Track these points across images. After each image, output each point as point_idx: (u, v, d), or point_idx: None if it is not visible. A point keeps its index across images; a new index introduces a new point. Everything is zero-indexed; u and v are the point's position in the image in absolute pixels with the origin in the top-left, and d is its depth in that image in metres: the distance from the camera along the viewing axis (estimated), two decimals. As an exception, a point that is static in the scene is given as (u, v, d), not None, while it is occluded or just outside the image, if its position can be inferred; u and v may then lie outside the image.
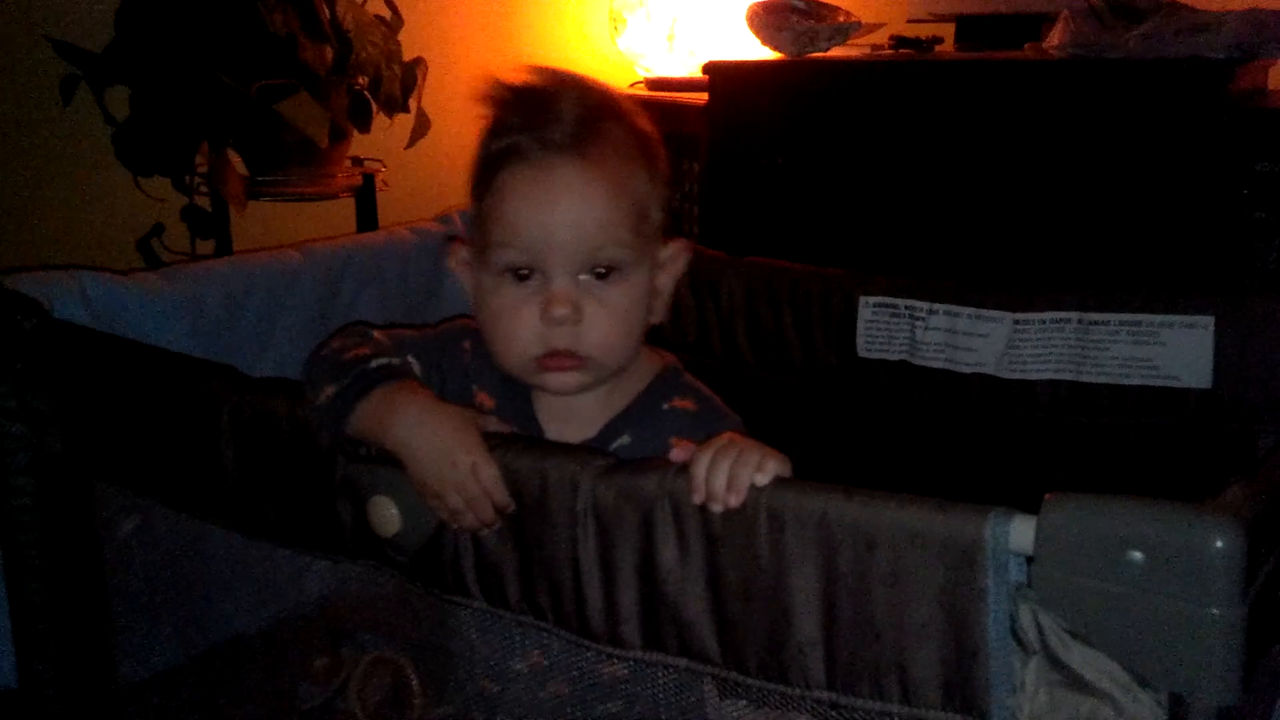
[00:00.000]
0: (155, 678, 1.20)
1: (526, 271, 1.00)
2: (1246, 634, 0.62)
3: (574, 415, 1.06)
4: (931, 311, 1.35)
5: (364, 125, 2.15)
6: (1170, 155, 1.78)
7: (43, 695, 1.20)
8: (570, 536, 0.81)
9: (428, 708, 1.07)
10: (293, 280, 1.42)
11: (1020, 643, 0.67)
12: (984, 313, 1.32)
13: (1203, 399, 1.22)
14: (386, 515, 0.89)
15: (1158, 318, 1.24)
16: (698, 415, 1.05)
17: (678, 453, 0.83)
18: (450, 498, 0.85)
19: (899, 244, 2.00)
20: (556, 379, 1.01)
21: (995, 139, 1.93)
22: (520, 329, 1.00)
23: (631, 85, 2.76)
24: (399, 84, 2.12)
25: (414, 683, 1.09)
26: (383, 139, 2.20)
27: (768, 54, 2.24)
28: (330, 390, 0.92)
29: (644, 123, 1.06)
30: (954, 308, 1.34)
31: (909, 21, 2.36)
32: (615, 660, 0.83)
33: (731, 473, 0.75)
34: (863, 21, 2.23)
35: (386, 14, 2.18)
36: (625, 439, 1.05)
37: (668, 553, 0.78)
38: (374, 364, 0.95)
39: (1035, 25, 2.15)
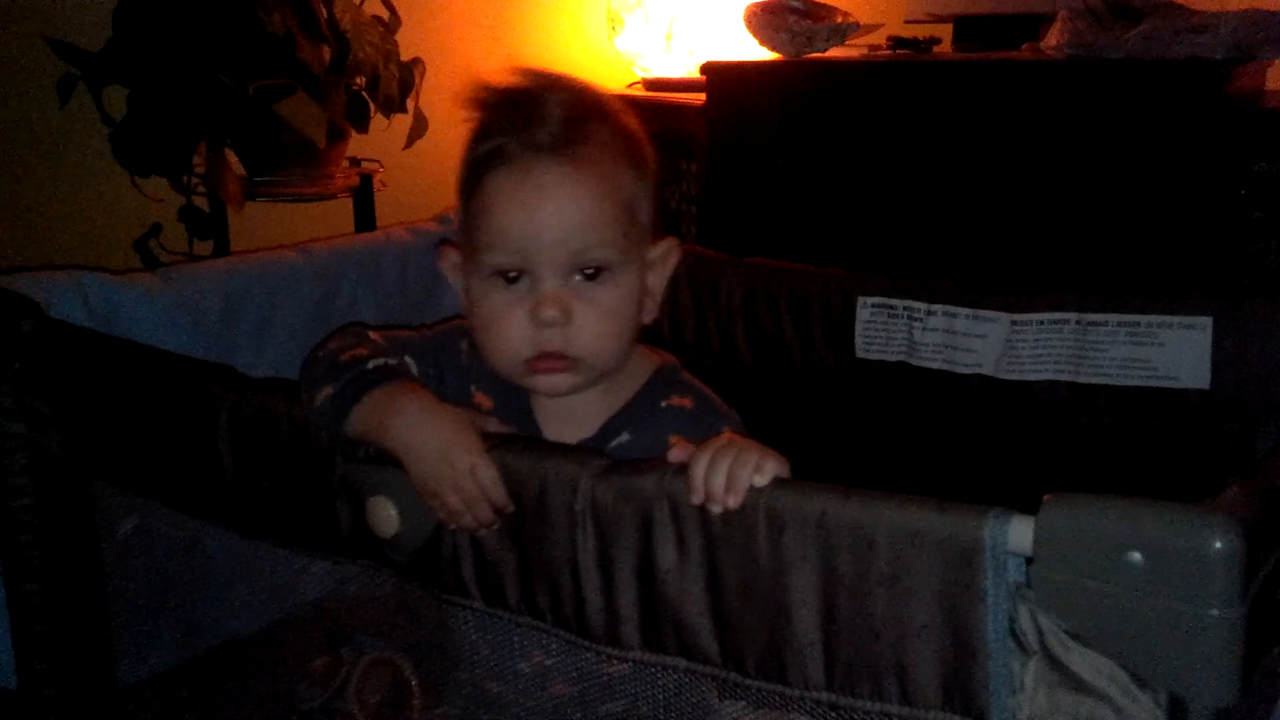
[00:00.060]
0: (154, 678, 1.20)
1: (515, 274, 1.00)
2: (1245, 635, 0.62)
3: (572, 415, 1.06)
4: (930, 312, 1.35)
5: (362, 125, 2.15)
6: (1168, 156, 1.78)
7: (41, 696, 1.20)
8: (569, 537, 0.81)
9: (427, 708, 1.07)
10: (291, 280, 1.42)
11: (1019, 643, 0.67)
12: (982, 313, 1.32)
13: (1201, 399, 1.22)
14: (385, 516, 0.89)
15: (1156, 318, 1.24)
16: (696, 413, 1.06)
17: (676, 453, 0.83)
18: (449, 498, 0.85)
19: (897, 245, 2.00)
20: (547, 381, 1.02)
21: (993, 140, 1.94)
22: (510, 332, 1.00)
23: (629, 85, 2.76)
24: (397, 84, 2.12)
25: (413, 683, 1.09)
26: (380, 139, 2.20)
27: (766, 54, 2.24)
28: (328, 391, 0.92)
29: (631, 122, 1.06)
30: (952, 308, 1.34)
31: (907, 22, 2.36)
32: (616, 660, 0.83)
33: (730, 473, 0.75)
34: (860, 22, 2.23)
35: (384, 14, 2.18)
36: (624, 437, 1.05)
37: (667, 553, 0.78)
38: (372, 364, 0.95)
39: (1033, 26, 2.15)
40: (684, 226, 2.40)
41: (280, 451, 0.97)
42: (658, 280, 1.07)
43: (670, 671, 0.80)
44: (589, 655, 0.84)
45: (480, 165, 1.01)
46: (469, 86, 1.04)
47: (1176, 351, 1.23)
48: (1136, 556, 0.63)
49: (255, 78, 1.93)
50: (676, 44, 2.70)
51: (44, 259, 1.91)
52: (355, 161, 2.21)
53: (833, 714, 0.74)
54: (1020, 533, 0.66)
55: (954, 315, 1.34)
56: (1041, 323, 1.29)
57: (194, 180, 2.01)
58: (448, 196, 1.62)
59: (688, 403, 1.06)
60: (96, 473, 1.14)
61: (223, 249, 2.05)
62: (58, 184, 2.09)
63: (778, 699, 0.76)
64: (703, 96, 2.24)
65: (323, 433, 0.93)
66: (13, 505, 1.15)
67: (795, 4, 2.22)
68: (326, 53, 2.02)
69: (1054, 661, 0.65)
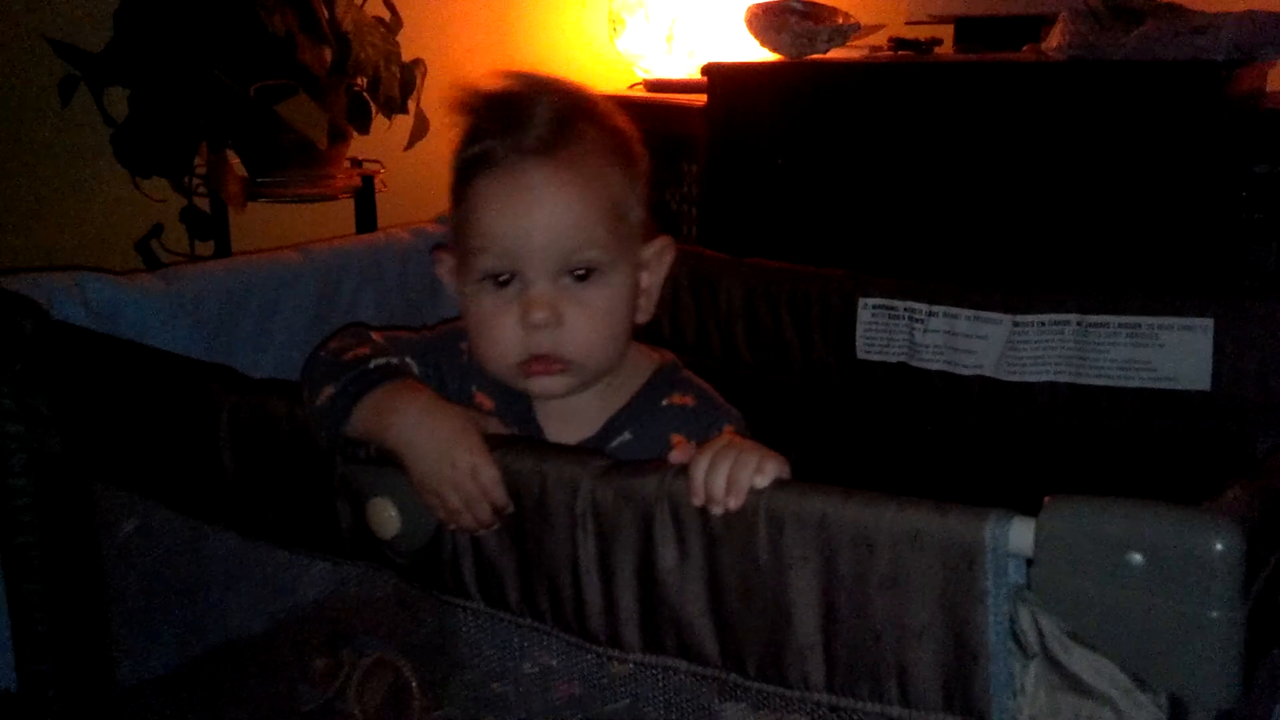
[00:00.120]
0: (154, 679, 1.20)
1: (506, 277, 1.00)
2: (1246, 636, 0.62)
3: (573, 414, 1.06)
4: (931, 313, 1.35)
5: (363, 126, 2.15)
6: (1168, 157, 1.78)
7: (42, 697, 1.20)
8: (570, 538, 0.81)
9: (427, 710, 1.07)
10: (291, 281, 1.42)
11: (1020, 645, 0.67)
12: (983, 315, 1.32)
13: (1202, 401, 1.22)
14: (386, 517, 0.89)
15: (1157, 320, 1.24)
16: (697, 410, 1.06)
17: (677, 454, 0.83)
18: (449, 497, 0.85)
19: (898, 245, 2.00)
20: (541, 383, 1.02)
21: (994, 141, 1.94)
22: (502, 335, 1.00)
23: (630, 86, 2.77)
24: (398, 85, 2.12)
25: (413, 685, 1.09)
26: (382, 140, 2.20)
27: (767, 55, 2.24)
28: (329, 390, 0.92)
29: (620, 122, 1.06)
30: (953, 309, 1.34)
31: (908, 23, 2.36)
32: (617, 661, 0.83)
33: (731, 475, 0.75)
34: (861, 23, 2.23)
35: (385, 15, 2.18)
36: (625, 436, 1.05)
37: (667, 554, 0.77)
38: (374, 364, 0.95)
39: (1034, 27, 2.15)
40: (685, 227, 2.40)
41: (281, 452, 0.97)
42: (653, 279, 1.07)
43: (672, 672, 0.80)
44: (590, 656, 0.84)
45: (468, 169, 1.01)
46: (457, 91, 1.04)
47: (1177, 353, 1.23)
48: (1137, 558, 0.63)
49: (256, 78, 1.93)
50: (677, 45, 2.70)
51: (45, 259, 1.92)
52: (356, 162, 2.21)
53: (833, 716, 0.74)
54: (1021, 534, 0.66)
55: (955, 316, 1.34)
56: (1042, 324, 1.29)
57: (195, 181, 2.01)
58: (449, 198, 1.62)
59: (689, 400, 1.07)
60: (97, 473, 1.14)
61: (224, 250, 2.05)
62: (59, 185, 2.09)
63: (778, 700, 0.76)
64: (704, 97, 2.24)
65: (324, 432, 0.93)
66: (13, 506, 1.15)
67: (796, 5, 2.22)
68: (328, 53, 2.02)
69: (1055, 663, 0.65)
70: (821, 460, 1.15)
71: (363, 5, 2.13)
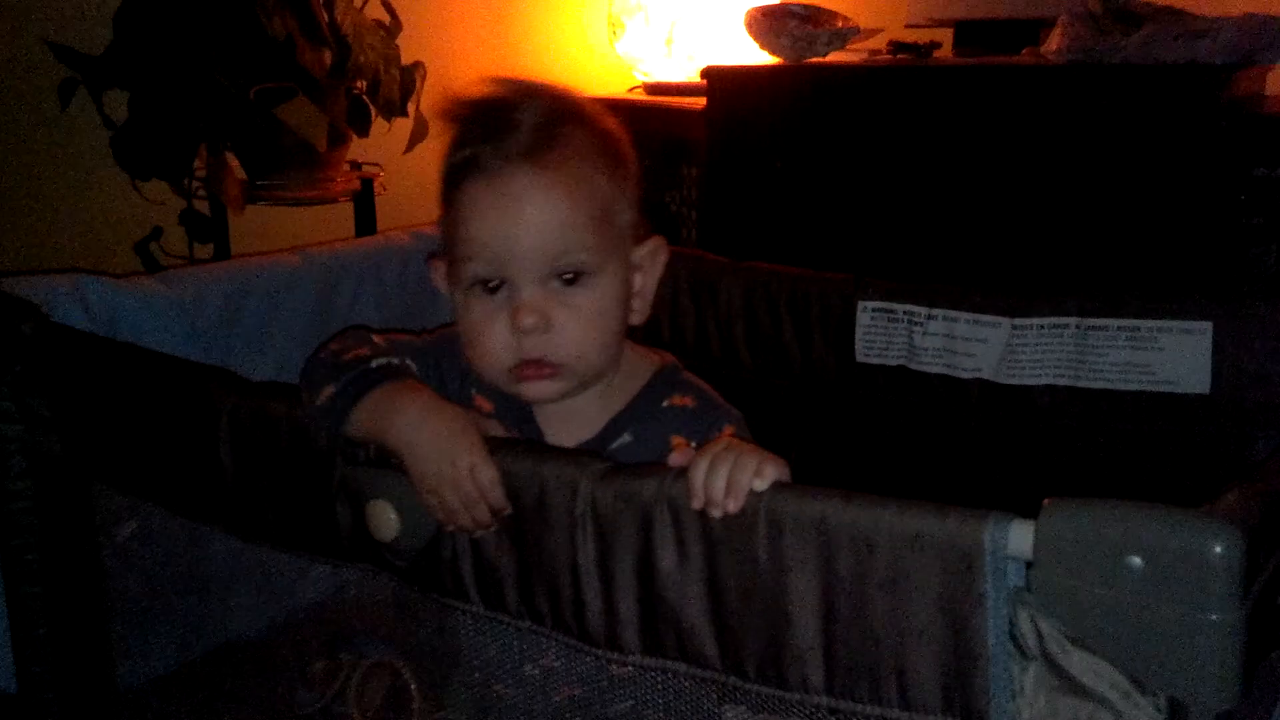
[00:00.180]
0: (153, 682, 1.20)
1: (495, 283, 1.00)
2: (1245, 639, 0.62)
3: (573, 416, 1.06)
4: (930, 316, 1.35)
5: (362, 129, 2.15)
6: (1168, 160, 1.78)
7: (41, 699, 1.20)
8: (569, 540, 0.81)
9: (427, 712, 1.07)
10: (291, 284, 1.42)
11: (1019, 648, 0.67)
12: (982, 318, 1.32)
13: (1201, 404, 1.22)
14: (385, 519, 0.89)
15: (1156, 323, 1.24)
16: (697, 412, 1.06)
17: (676, 457, 0.83)
18: (448, 496, 0.85)
19: (897, 249, 2.00)
20: (533, 388, 1.02)
21: (993, 144, 1.94)
22: (492, 341, 1.01)
23: (630, 89, 2.77)
24: (397, 88, 2.12)
25: (412, 687, 1.09)
26: (381, 143, 2.20)
27: (766, 59, 2.24)
28: (330, 390, 0.92)
29: (608, 124, 1.06)
30: (952, 313, 1.34)
31: (907, 27, 2.36)
32: (618, 663, 0.83)
33: (730, 478, 0.75)
34: (861, 27, 2.23)
35: (385, 18, 2.18)
36: (626, 438, 1.05)
37: (666, 557, 0.77)
38: (374, 363, 0.95)
39: (1033, 30, 2.16)
40: (684, 230, 2.40)
41: (280, 454, 0.97)
42: (646, 281, 1.07)
43: (673, 675, 0.80)
44: (590, 659, 0.84)
45: (454, 176, 1.02)
46: (446, 101, 1.04)
47: (1176, 356, 1.23)
48: (1136, 561, 0.63)
49: (256, 81, 1.93)
50: (677, 48, 2.71)
51: (45, 262, 1.92)
52: (356, 165, 2.21)
53: (832, 718, 0.74)
54: (1020, 537, 0.66)
55: (954, 320, 1.34)
56: (1042, 327, 1.29)
57: (195, 184, 2.01)
58: (448, 200, 1.61)
59: (689, 402, 1.07)
60: (96, 476, 1.14)
61: (223, 252, 2.05)
62: (58, 187, 2.09)
63: (778, 703, 0.76)
64: (703, 100, 2.24)
65: (323, 432, 0.93)
66: (13, 508, 1.15)
67: (796, 8, 2.22)
68: (327, 56, 2.02)
69: (1054, 666, 0.65)
70: (821, 463, 1.15)
71: (362, 8, 2.13)
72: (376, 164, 2.23)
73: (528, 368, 1.00)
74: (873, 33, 2.28)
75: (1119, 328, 1.26)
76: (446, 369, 1.09)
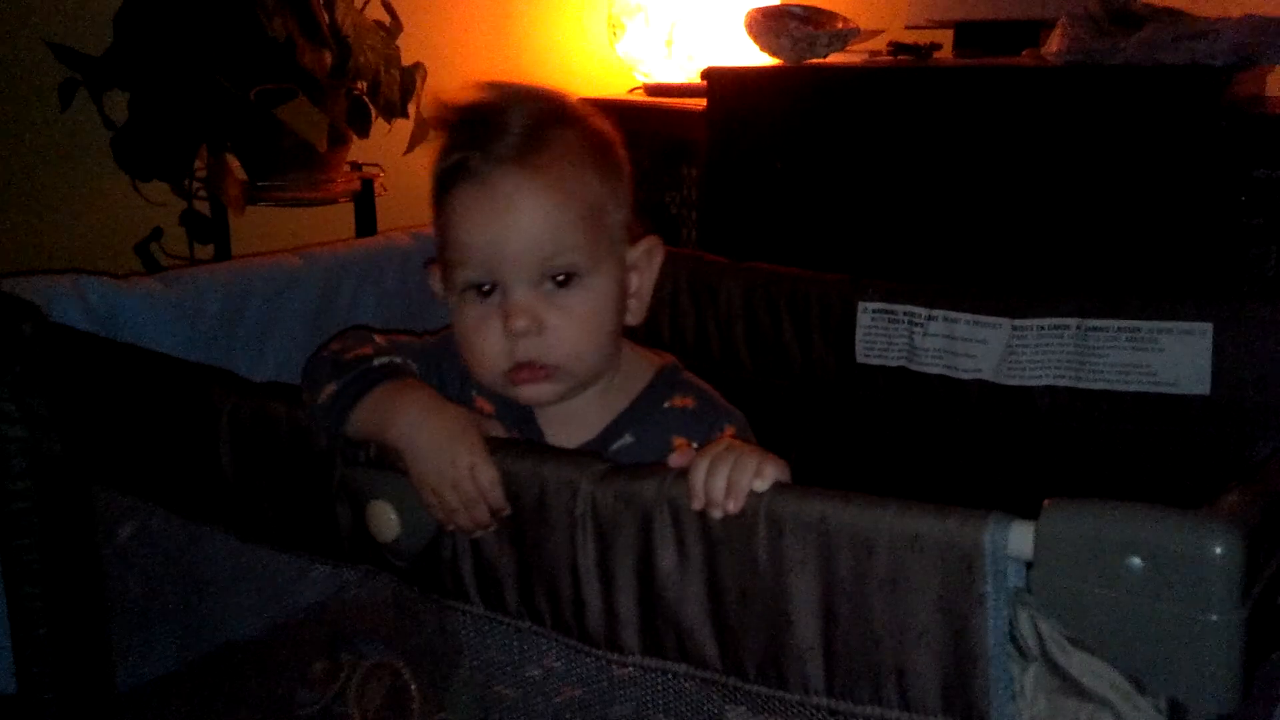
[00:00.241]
0: (153, 683, 1.20)
1: (488, 287, 1.00)
2: (1246, 640, 0.62)
3: (574, 418, 1.06)
4: (930, 317, 1.35)
5: (363, 130, 2.15)
6: (1168, 161, 1.78)
7: (41, 700, 1.20)
8: (569, 541, 0.81)
9: (427, 713, 1.07)
10: (291, 285, 1.42)
11: (1019, 648, 0.67)
12: (982, 319, 1.32)
13: (1201, 405, 1.22)
14: (385, 520, 0.89)
15: (1156, 324, 1.24)
16: (698, 412, 1.06)
17: (676, 458, 0.83)
18: (447, 496, 0.85)
19: (897, 250, 2.00)
20: (528, 391, 1.02)
21: (994, 145, 1.94)
22: (486, 345, 1.01)
23: (630, 91, 2.77)
24: (398, 89, 2.12)
25: (412, 688, 1.09)
26: (381, 144, 2.20)
27: (766, 60, 2.24)
28: (331, 389, 0.92)
29: (599, 125, 1.06)
30: (952, 313, 1.34)
31: (907, 28, 2.36)
32: (618, 664, 0.83)
33: (730, 478, 0.75)
34: (861, 28, 2.23)
35: (385, 19, 2.18)
36: (627, 439, 1.05)
37: (666, 558, 0.77)
38: (376, 362, 0.95)
39: (1034, 32, 2.16)
40: (684, 231, 2.40)
41: (280, 455, 0.97)
42: (643, 281, 1.07)
43: (674, 676, 0.80)
44: (590, 660, 0.84)
45: (445, 181, 1.02)
46: (437, 108, 1.04)
47: (1177, 357, 1.23)
48: (1137, 562, 0.63)
49: (256, 82, 1.93)
50: (677, 49, 2.70)
51: (45, 263, 1.92)
52: (356, 166, 2.21)
53: (832, 719, 0.74)
54: (1020, 538, 0.66)
55: (954, 320, 1.34)
56: (1042, 328, 1.29)
57: (195, 184, 2.01)
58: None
59: (690, 402, 1.07)
60: (96, 477, 1.14)
61: (223, 253, 2.05)
62: (59, 188, 2.09)
63: (778, 704, 0.76)
64: (703, 102, 2.24)
65: (324, 430, 0.93)
66: (13, 509, 1.15)
67: (796, 10, 2.22)
68: (328, 57, 2.02)
69: (1054, 667, 0.65)
70: (821, 464, 1.15)
71: (363, 9, 2.13)
72: (377, 165, 2.23)
73: (522, 370, 1.00)
74: (873, 34, 2.28)
75: (1119, 329, 1.26)
76: (447, 371, 1.09)
